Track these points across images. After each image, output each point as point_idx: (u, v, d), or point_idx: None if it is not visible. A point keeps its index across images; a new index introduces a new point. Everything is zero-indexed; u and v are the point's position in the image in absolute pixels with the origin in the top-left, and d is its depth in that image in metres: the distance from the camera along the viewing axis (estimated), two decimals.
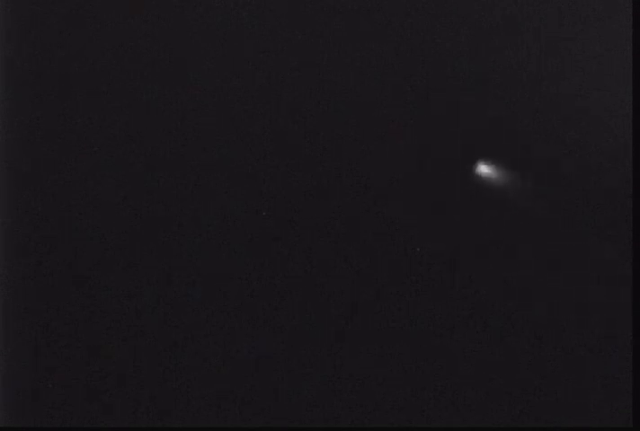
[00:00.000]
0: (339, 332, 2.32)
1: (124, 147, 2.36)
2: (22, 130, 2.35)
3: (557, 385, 2.31)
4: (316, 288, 2.33)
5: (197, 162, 2.36)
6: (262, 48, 2.37)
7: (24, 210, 2.34)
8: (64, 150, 2.35)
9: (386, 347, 2.32)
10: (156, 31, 2.37)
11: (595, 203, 2.34)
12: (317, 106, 2.36)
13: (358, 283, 2.33)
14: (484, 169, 2.26)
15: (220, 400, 2.31)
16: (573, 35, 2.36)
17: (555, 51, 2.36)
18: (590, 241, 2.34)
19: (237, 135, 2.36)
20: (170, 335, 2.33)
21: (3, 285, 2.33)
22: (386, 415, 2.31)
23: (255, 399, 2.31)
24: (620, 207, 2.33)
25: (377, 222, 2.35)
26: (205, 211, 2.35)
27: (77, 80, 2.36)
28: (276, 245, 2.34)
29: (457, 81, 2.36)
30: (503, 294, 2.33)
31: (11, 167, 2.35)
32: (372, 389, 2.31)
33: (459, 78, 2.36)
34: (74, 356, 2.32)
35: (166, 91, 2.36)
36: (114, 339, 2.32)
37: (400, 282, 2.33)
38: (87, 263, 2.33)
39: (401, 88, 2.36)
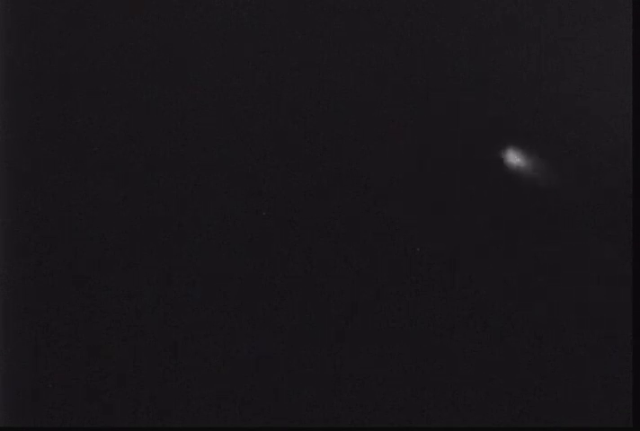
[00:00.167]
0: (339, 332, 2.32)
1: (124, 147, 2.36)
2: (22, 130, 2.36)
3: (557, 385, 2.31)
4: (316, 288, 2.33)
5: (197, 162, 2.36)
6: (262, 48, 2.37)
7: (24, 210, 2.34)
8: (64, 150, 2.35)
9: (386, 347, 2.32)
10: (156, 31, 2.37)
11: (595, 203, 2.35)
12: (317, 106, 2.36)
13: (358, 283, 2.33)
14: (512, 158, 2.26)
15: (220, 400, 2.31)
16: (573, 35, 2.36)
17: (555, 51, 2.36)
18: (590, 241, 2.34)
19: (237, 135, 2.36)
20: (170, 335, 2.33)
21: (3, 285, 2.33)
22: (386, 415, 2.31)
23: (255, 399, 2.31)
24: (620, 207, 2.33)
25: (377, 222, 2.35)
26: (205, 211, 2.35)
27: (77, 80, 2.36)
28: (276, 245, 2.34)
29: (457, 81, 2.36)
30: (503, 294, 2.33)
31: (11, 167, 2.35)
32: (372, 389, 2.31)
33: (459, 78, 2.36)
34: (74, 356, 2.32)
35: (166, 91, 2.36)
36: (114, 339, 2.32)
37: (400, 282, 2.33)
38: (87, 263, 2.34)
39: (401, 88, 2.36)
